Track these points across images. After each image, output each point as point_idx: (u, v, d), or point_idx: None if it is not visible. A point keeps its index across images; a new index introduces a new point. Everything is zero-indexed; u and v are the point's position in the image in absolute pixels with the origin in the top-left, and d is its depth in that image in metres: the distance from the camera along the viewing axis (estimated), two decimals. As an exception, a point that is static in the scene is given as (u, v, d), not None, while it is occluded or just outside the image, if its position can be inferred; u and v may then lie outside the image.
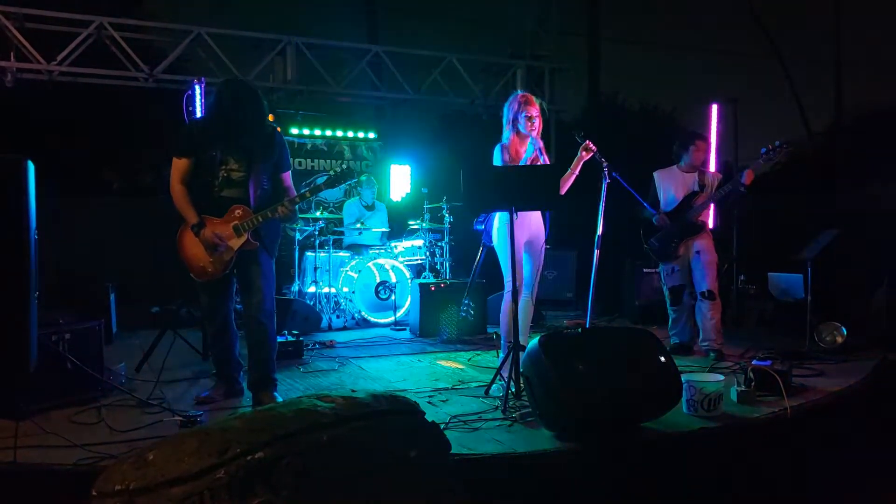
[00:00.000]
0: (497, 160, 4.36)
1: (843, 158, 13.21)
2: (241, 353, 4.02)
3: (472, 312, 6.02)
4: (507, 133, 4.43)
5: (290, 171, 3.91)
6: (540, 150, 4.38)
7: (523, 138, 4.38)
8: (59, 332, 3.62)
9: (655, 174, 5.36)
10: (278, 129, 3.98)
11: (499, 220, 4.42)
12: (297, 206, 3.78)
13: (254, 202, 3.68)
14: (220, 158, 3.65)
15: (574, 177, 4.40)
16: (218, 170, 3.66)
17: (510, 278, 4.09)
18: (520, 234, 4.22)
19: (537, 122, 4.35)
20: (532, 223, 4.45)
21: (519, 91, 4.69)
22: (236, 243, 3.66)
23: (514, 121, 4.38)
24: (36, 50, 7.52)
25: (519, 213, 4.05)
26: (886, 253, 6.38)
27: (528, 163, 4.33)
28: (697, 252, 5.12)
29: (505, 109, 4.47)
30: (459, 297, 5.98)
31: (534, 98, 4.46)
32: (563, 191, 4.34)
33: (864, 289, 6.29)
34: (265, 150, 3.73)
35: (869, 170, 10.99)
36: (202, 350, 4.88)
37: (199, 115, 5.50)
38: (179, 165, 3.67)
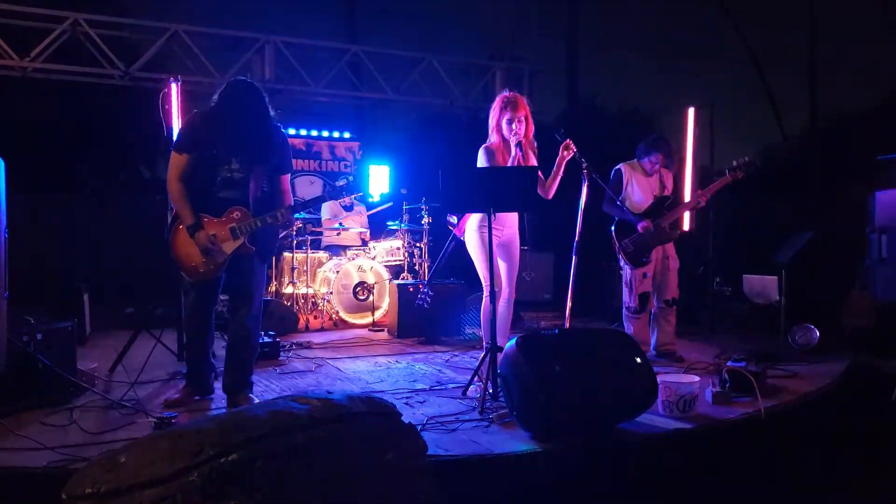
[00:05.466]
0: (480, 163, 4.24)
1: (817, 161, 13.44)
2: (218, 356, 3.98)
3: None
4: (492, 139, 4.28)
5: (289, 174, 3.85)
6: (523, 150, 4.17)
7: (507, 145, 4.21)
8: (30, 332, 3.56)
9: (623, 168, 5.11)
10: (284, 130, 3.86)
11: (472, 221, 4.33)
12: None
13: (252, 205, 3.61)
14: (221, 157, 3.57)
15: (559, 178, 4.24)
16: (219, 169, 3.58)
17: (487, 281, 4.08)
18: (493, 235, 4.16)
19: (521, 127, 4.16)
20: (506, 225, 4.38)
21: (506, 91, 4.37)
22: (231, 246, 3.59)
23: (498, 127, 4.24)
24: (9, 45, 7.40)
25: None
26: (859, 255, 6.47)
27: (514, 164, 4.15)
28: (667, 258, 5.02)
29: (489, 113, 4.30)
30: (438, 299, 5.97)
31: (522, 99, 4.25)
32: (551, 194, 4.25)
33: (837, 291, 6.38)
34: (268, 153, 3.65)
35: (842, 172, 11.17)
36: (177, 351, 4.83)
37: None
38: (179, 161, 3.57)
